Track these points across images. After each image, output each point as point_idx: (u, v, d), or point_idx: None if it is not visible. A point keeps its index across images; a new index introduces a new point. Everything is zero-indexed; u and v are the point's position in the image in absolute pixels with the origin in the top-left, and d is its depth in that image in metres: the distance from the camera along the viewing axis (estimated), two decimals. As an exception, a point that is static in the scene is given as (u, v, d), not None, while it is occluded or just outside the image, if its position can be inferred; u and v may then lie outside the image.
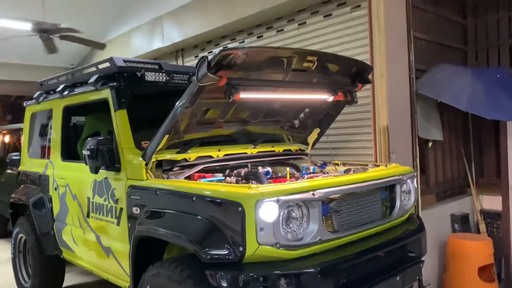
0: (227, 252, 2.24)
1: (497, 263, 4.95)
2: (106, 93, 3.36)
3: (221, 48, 2.71)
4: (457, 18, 5.26)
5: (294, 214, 2.33)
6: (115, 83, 3.31)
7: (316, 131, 3.93)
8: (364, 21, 4.33)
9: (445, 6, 5.07)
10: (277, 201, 2.23)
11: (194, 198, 2.47)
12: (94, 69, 3.67)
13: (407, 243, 2.91)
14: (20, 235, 4.58)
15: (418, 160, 4.24)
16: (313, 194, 2.37)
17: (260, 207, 2.19)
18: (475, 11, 5.35)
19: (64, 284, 4.58)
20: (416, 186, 3.25)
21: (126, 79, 3.33)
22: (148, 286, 2.62)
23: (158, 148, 2.89)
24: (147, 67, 3.45)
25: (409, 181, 3.13)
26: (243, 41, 5.77)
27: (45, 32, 5.72)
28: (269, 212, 2.20)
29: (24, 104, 4.93)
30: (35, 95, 4.62)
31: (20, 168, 4.91)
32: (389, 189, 3.02)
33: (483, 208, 5.16)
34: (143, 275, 2.70)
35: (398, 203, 2.99)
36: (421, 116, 4.44)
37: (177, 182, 2.73)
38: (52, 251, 4.14)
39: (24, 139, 4.92)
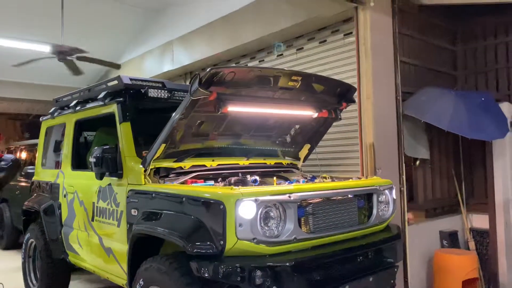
0: (210, 245, 2.51)
1: (486, 280, 5.09)
2: (113, 108, 3.72)
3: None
4: (446, 45, 5.56)
5: (271, 214, 2.61)
6: (121, 99, 3.68)
7: (307, 146, 4.21)
8: (354, 47, 4.67)
9: (434, 33, 5.39)
10: (255, 200, 2.51)
11: (183, 199, 2.77)
12: (104, 86, 4.05)
13: (382, 248, 3.14)
14: (31, 240, 4.90)
15: (404, 176, 4.47)
16: (289, 197, 2.65)
17: (239, 205, 2.47)
18: (463, 38, 5.65)
19: (69, 291, 4.86)
20: (394, 197, 3.48)
21: (131, 95, 3.69)
22: (141, 279, 2.90)
23: (155, 157, 3.20)
24: (151, 85, 3.81)
25: (387, 192, 3.38)
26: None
27: (62, 54, 6.18)
28: (247, 210, 2.48)
29: (41, 119, 5.33)
30: (51, 111, 5.02)
31: (34, 178, 5.27)
32: (366, 198, 3.27)
33: (472, 227, 5.32)
34: (137, 271, 2.98)
35: (375, 211, 3.24)
36: (409, 136, 4.70)
37: (170, 186, 3.04)
38: (59, 255, 4.44)
39: (38, 151, 5.30)
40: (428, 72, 5.24)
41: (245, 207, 2.48)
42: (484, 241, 5.22)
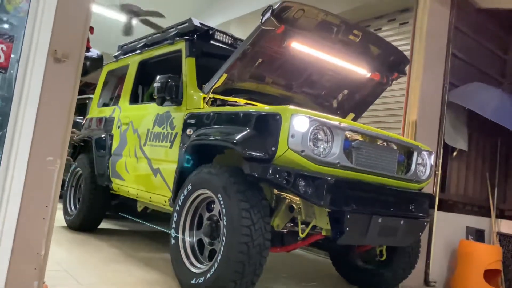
0: (262, 151, 2.74)
1: (507, 286, 5.08)
2: (180, 45, 4.04)
3: None
4: (497, 51, 5.68)
5: (320, 136, 2.82)
6: (189, 37, 4.00)
7: (351, 116, 4.41)
8: (409, 36, 4.87)
9: (488, 37, 5.53)
10: (309, 117, 2.74)
11: (241, 115, 3.02)
12: (173, 29, 4.39)
13: (415, 200, 3.28)
14: (77, 169, 5.24)
15: (440, 161, 4.60)
16: (339, 123, 2.86)
17: (294, 118, 2.70)
18: (516, 48, 5.78)
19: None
20: (432, 164, 3.63)
21: (199, 35, 4.01)
22: (190, 184, 3.13)
23: (216, 85, 3.48)
24: (219, 29, 4.12)
25: (425, 155, 3.53)
26: None
27: (132, 13, 6.64)
28: (300, 124, 2.71)
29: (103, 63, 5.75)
30: (115, 55, 5.41)
31: (88, 116, 5.65)
32: (406, 155, 3.43)
33: (500, 231, 5.34)
34: (186, 179, 3.22)
35: (413, 167, 3.39)
36: (450, 125, 4.83)
37: (227, 108, 3.29)
38: (103, 182, 4.75)
39: (96, 92, 5.69)
40: (476, 72, 5.36)
41: (299, 121, 2.71)
42: (510, 246, 5.22)
